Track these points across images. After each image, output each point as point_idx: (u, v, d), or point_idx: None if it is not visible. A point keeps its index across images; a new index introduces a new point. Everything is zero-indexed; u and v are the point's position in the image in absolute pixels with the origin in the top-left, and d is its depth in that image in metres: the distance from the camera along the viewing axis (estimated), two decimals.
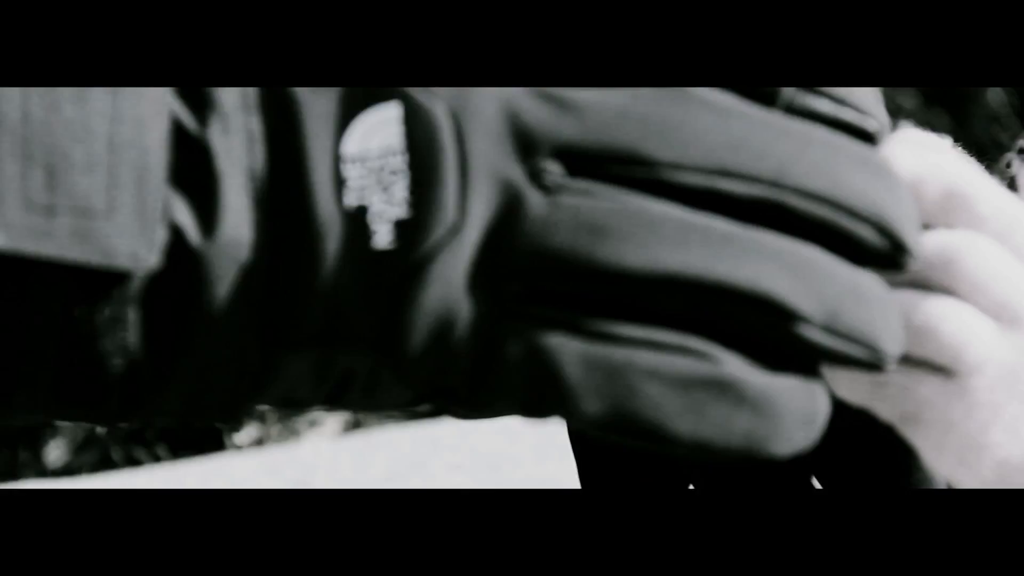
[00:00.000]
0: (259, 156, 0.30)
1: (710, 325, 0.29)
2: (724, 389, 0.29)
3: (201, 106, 0.30)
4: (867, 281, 0.29)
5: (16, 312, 0.29)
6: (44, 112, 0.30)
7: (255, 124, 0.30)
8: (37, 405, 0.30)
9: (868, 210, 0.30)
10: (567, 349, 0.29)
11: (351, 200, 0.29)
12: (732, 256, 0.29)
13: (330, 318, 0.30)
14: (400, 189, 0.29)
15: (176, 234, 0.29)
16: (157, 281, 0.29)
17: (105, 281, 0.29)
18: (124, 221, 0.29)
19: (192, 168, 0.29)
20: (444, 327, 0.29)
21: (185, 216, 0.29)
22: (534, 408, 0.30)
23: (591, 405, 0.29)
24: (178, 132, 0.30)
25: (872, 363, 0.29)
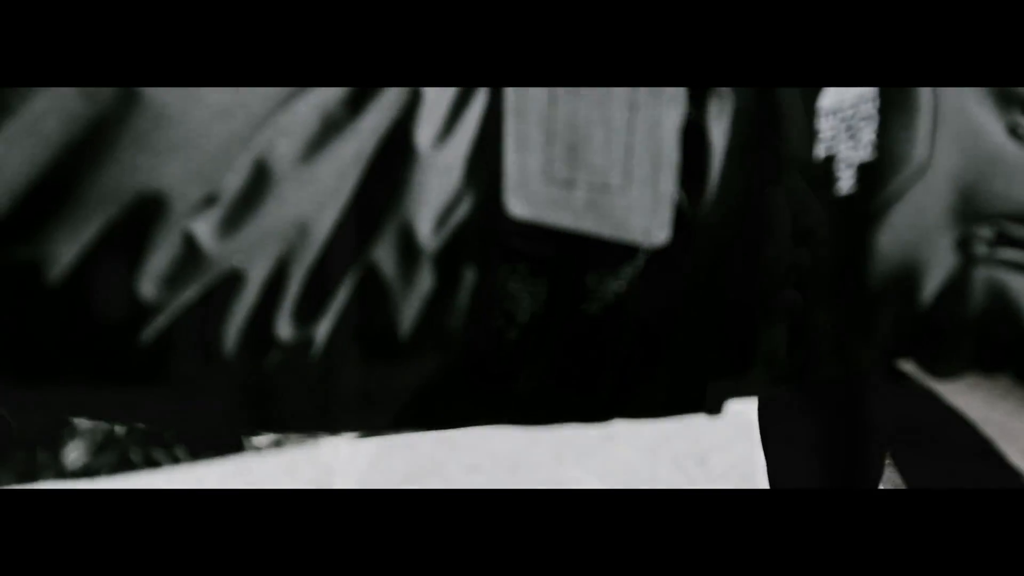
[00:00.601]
0: (743, 129, 0.31)
1: None
2: None
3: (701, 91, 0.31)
4: None
5: (532, 283, 0.30)
6: (569, 96, 0.31)
7: (743, 99, 0.31)
8: (539, 391, 0.31)
9: None
10: None
11: (820, 152, 0.30)
12: None
13: (799, 270, 0.31)
14: (867, 133, 0.30)
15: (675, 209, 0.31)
16: (653, 257, 0.31)
17: (612, 255, 0.31)
18: (638, 197, 0.30)
19: (687, 147, 0.31)
20: (906, 270, 0.30)
21: (679, 192, 0.31)
22: (995, 358, 0.30)
23: None
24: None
25: None
